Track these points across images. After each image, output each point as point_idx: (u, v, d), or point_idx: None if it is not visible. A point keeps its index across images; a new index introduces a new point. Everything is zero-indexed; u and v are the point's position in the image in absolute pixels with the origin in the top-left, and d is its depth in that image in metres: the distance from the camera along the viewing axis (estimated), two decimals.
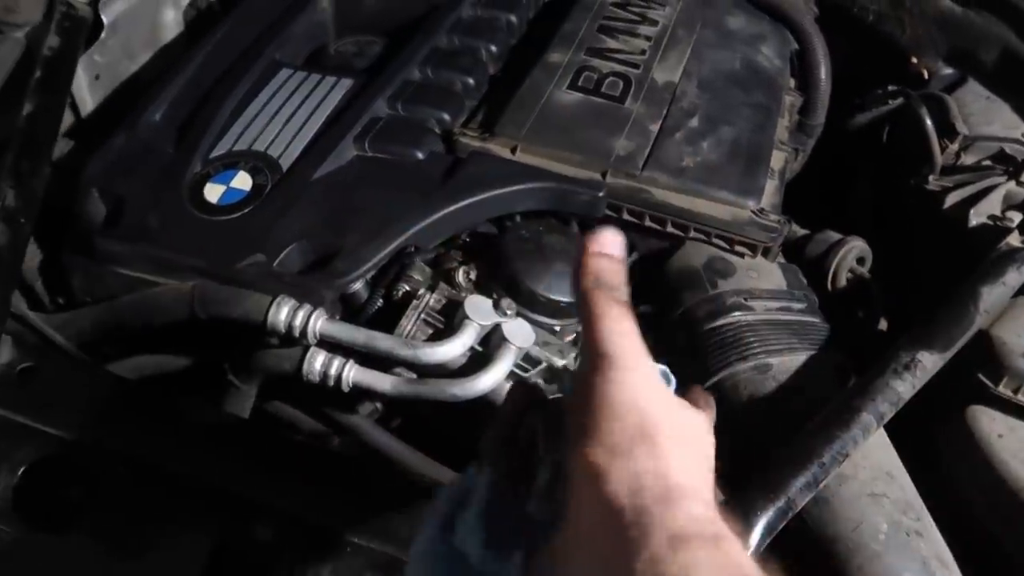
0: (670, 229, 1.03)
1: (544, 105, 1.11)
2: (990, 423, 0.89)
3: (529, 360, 0.90)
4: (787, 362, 0.94)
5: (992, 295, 0.92)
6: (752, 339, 0.94)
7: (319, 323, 0.85)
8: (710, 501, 0.39)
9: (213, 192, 0.99)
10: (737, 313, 0.97)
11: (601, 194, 1.00)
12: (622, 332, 0.44)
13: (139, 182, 1.00)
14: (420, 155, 1.04)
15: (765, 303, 0.99)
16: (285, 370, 0.89)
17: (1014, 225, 1.07)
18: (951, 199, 1.16)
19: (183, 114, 1.10)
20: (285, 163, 1.02)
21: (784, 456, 0.75)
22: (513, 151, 1.06)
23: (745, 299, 0.98)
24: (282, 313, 0.85)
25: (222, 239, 0.94)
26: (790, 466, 0.73)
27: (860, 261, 1.15)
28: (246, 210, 0.97)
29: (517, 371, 0.89)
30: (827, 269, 1.12)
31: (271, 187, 0.99)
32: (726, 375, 0.93)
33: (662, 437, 0.40)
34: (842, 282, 1.13)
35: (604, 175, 1.03)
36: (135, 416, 0.82)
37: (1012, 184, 1.14)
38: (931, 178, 1.22)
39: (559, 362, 0.90)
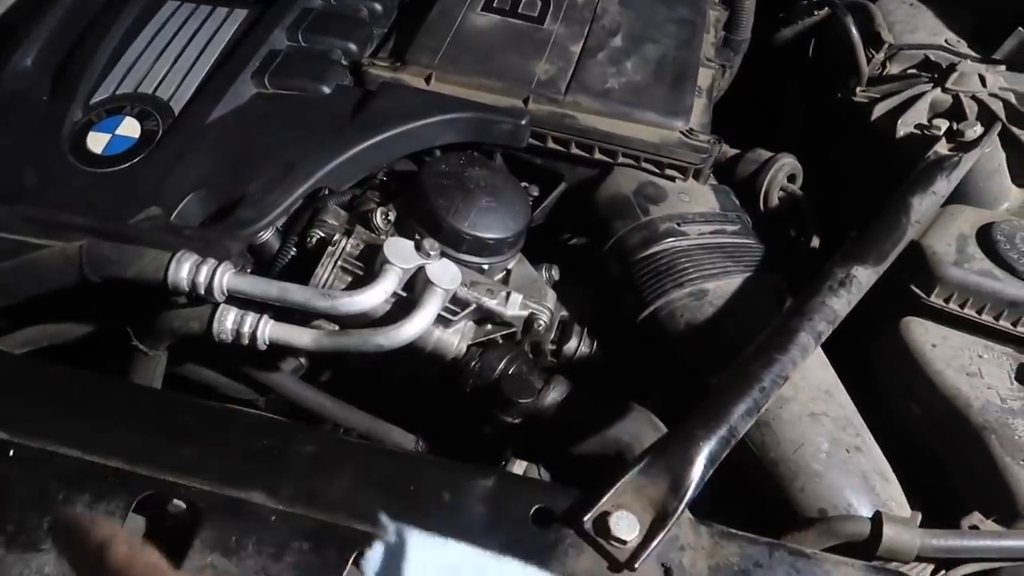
0: (597, 156, 0.99)
1: (458, 29, 1.03)
2: (923, 333, 0.88)
3: (457, 302, 0.85)
4: (723, 286, 0.91)
5: (923, 204, 0.90)
6: (687, 265, 0.91)
7: (226, 278, 0.78)
8: None
9: (97, 142, 0.90)
10: (670, 239, 0.93)
11: (524, 122, 0.94)
12: None
13: (11, 136, 0.90)
14: (326, 89, 0.96)
15: (698, 227, 0.96)
16: (194, 331, 0.82)
17: (941, 133, 1.05)
18: (879, 110, 1.14)
19: (56, 57, 0.99)
20: (176, 105, 0.93)
21: (724, 384, 0.72)
22: (427, 80, 0.99)
23: (678, 224, 0.95)
24: (183, 270, 0.78)
25: (111, 193, 0.86)
26: (730, 393, 0.70)
27: (791, 179, 1.12)
28: (136, 159, 0.88)
29: (445, 314, 0.84)
30: (759, 188, 1.09)
31: (162, 133, 0.91)
32: (662, 303, 0.90)
33: None
34: (774, 201, 1.10)
35: (526, 102, 0.98)
36: (24, 395, 0.74)
37: (938, 91, 1.12)
38: (858, 90, 1.19)
39: (489, 302, 0.86)
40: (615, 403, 0.91)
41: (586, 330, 0.95)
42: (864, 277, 0.82)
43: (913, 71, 1.22)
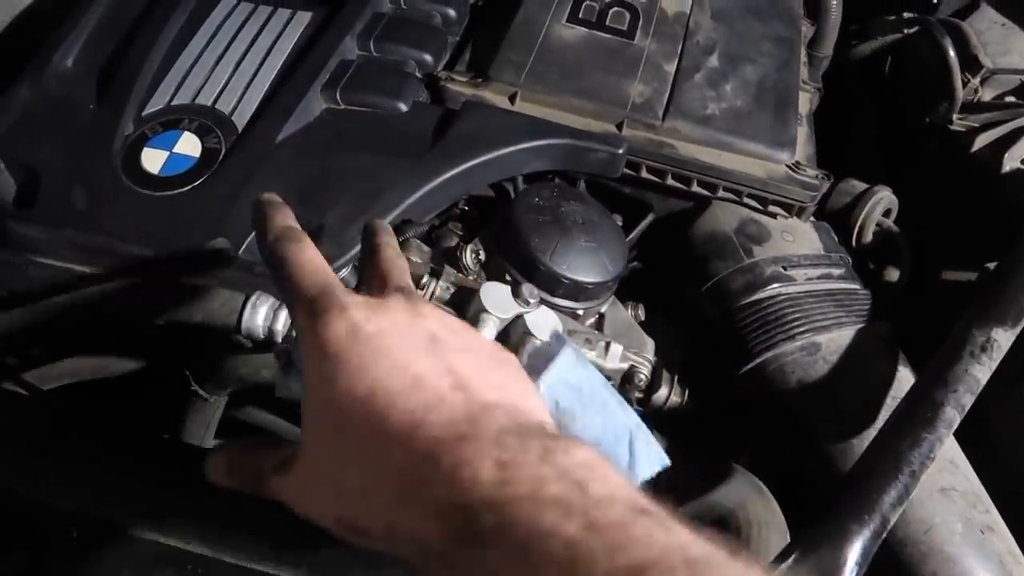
0: (695, 188, 0.90)
1: (543, 42, 0.95)
2: None
3: None
4: (835, 339, 0.84)
5: None
6: (796, 315, 0.84)
7: None
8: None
9: (153, 160, 0.81)
10: (776, 285, 0.86)
11: (621, 151, 0.86)
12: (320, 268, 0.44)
13: (55, 148, 0.81)
14: (403, 107, 0.87)
15: (805, 271, 0.88)
16: (265, 380, 0.74)
17: None
18: (980, 141, 1.06)
19: (102, 58, 0.89)
20: (239, 120, 0.84)
21: (868, 467, 0.65)
22: (512, 99, 0.90)
23: (784, 268, 0.87)
24: (259, 315, 0.69)
25: (171, 219, 0.77)
26: (879, 479, 0.63)
27: (887, 213, 1.05)
28: (198, 182, 0.79)
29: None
30: (853, 224, 1.02)
31: (226, 151, 0.81)
32: (770, 356, 0.83)
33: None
34: (868, 237, 1.03)
35: (620, 127, 0.89)
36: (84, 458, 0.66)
37: None
38: (955, 117, 1.12)
39: (588, 354, 0.78)
40: (714, 462, 0.83)
41: (676, 377, 0.88)
42: (1004, 340, 0.75)
43: (1010, 98, 1.14)
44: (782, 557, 0.60)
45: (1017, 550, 0.75)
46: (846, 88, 1.38)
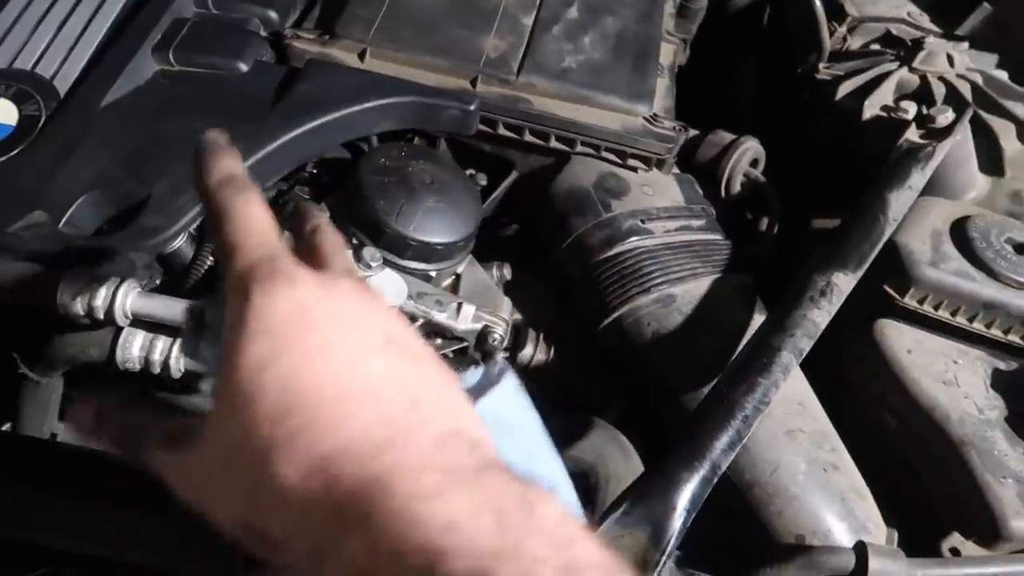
0: (554, 144, 0.89)
1: None
2: (898, 338, 0.84)
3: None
4: (691, 290, 0.84)
5: (900, 201, 0.85)
6: (653, 268, 0.84)
7: (129, 299, 0.67)
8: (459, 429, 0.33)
9: None
10: (634, 238, 0.85)
11: (473, 107, 0.84)
12: (262, 228, 0.38)
13: None
14: (243, 66, 0.83)
15: (663, 223, 0.88)
16: (93, 359, 0.71)
17: (909, 117, 1.00)
18: (843, 89, 1.07)
19: None
20: (62, 85, 0.79)
21: (702, 415, 0.66)
22: (361, 57, 0.87)
23: (642, 221, 0.87)
24: (76, 292, 0.66)
25: None
26: (711, 426, 0.64)
27: (754, 163, 1.06)
28: (14, 152, 0.74)
29: None
30: (720, 174, 1.02)
31: (46, 119, 0.76)
32: (627, 310, 0.83)
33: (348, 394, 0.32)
34: (736, 187, 1.04)
35: (474, 83, 0.87)
36: None
37: (904, 71, 1.06)
38: (821, 66, 1.13)
39: (438, 316, 0.77)
40: (575, 417, 0.84)
41: (542, 335, 0.87)
42: (844, 284, 0.77)
43: (876, 46, 1.16)
44: (614, 506, 0.61)
45: (862, 486, 0.77)
46: (726, 40, 1.39)
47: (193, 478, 0.35)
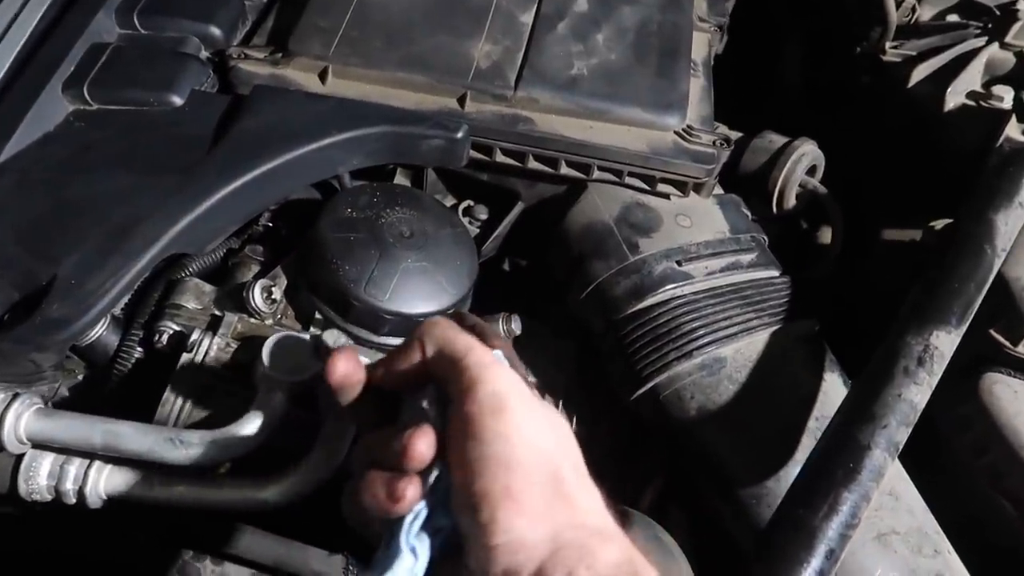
0: (564, 170, 0.72)
1: (360, 0, 0.75)
2: (1013, 399, 0.66)
3: None
4: (744, 350, 0.67)
5: (1008, 223, 0.67)
6: (695, 324, 0.67)
7: (23, 422, 0.52)
8: (616, 533, 0.38)
9: None
10: (670, 287, 0.68)
11: (460, 135, 0.67)
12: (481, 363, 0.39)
13: None
14: (176, 99, 0.68)
15: (705, 263, 0.71)
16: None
17: (1006, 105, 0.81)
18: (918, 74, 0.88)
19: None
20: None
21: (775, 545, 0.49)
22: (322, 77, 0.71)
23: (678, 263, 0.70)
24: None
25: None
26: (787, 567, 0.48)
27: (811, 171, 0.87)
28: None
29: None
30: (772, 187, 0.84)
31: None
32: (664, 380, 0.66)
33: (568, 480, 0.38)
34: (791, 201, 0.85)
35: (462, 101, 0.70)
36: None
37: (995, 47, 0.87)
38: (887, 45, 0.94)
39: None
40: (614, 510, 0.68)
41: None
42: (947, 346, 0.59)
43: (954, 17, 0.96)
44: None
45: None
46: (769, 21, 1.19)
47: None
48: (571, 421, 0.72)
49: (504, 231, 0.77)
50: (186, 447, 0.52)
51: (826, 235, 0.93)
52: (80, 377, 0.62)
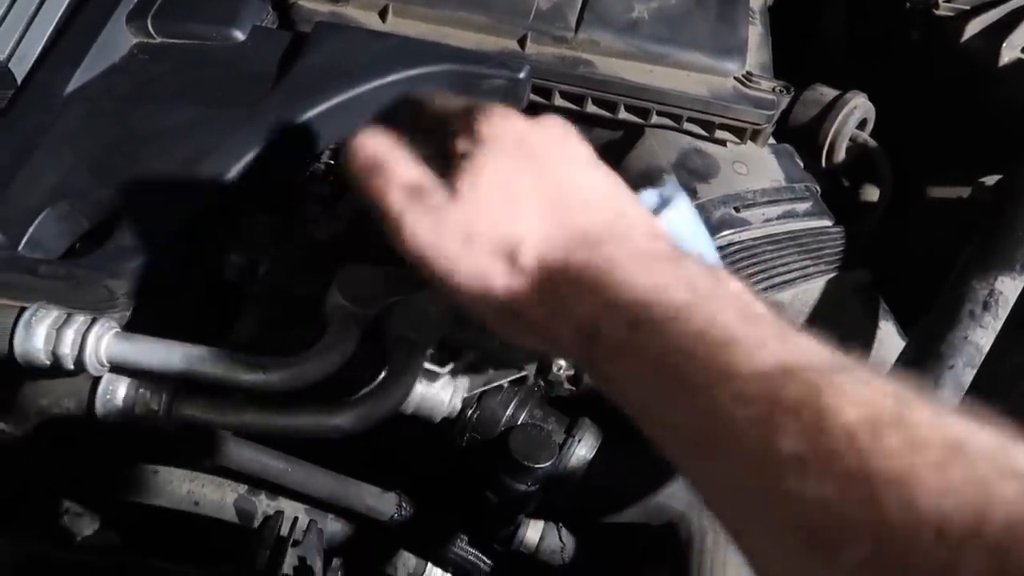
0: (623, 115, 0.72)
1: None
2: None
3: (446, 347, 0.61)
4: (801, 295, 0.68)
5: None
6: (753, 269, 0.68)
7: (104, 344, 0.53)
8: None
9: None
10: (728, 232, 0.69)
11: (523, 75, 0.67)
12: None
13: None
14: (238, 34, 0.67)
15: (762, 210, 0.71)
16: (70, 411, 0.58)
17: None
18: (972, 28, 0.88)
19: None
20: (18, 69, 0.64)
21: None
22: (382, 16, 0.71)
23: (736, 209, 0.70)
24: (37, 336, 0.52)
25: None
26: None
27: (861, 125, 0.87)
28: None
29: (431, 366, 0.60)
30: (822, 141, 0.84)
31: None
32: None
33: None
34: (840, 155, 0.85)
35: (523, 43, 0.70)
36: None
37: None
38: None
39: (489, 343, 0.62)
40: (660, 457, 0.69)
41: None
42: (1011, 291, 0.59)
43: None
44: None
45: None
46: None
47: (433, 231, 0.40)
48: None
49: None
50: (264, 371, 0.53)
51: (868, 192, 0.93)
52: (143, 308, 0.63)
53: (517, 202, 0.39)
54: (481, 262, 0.39)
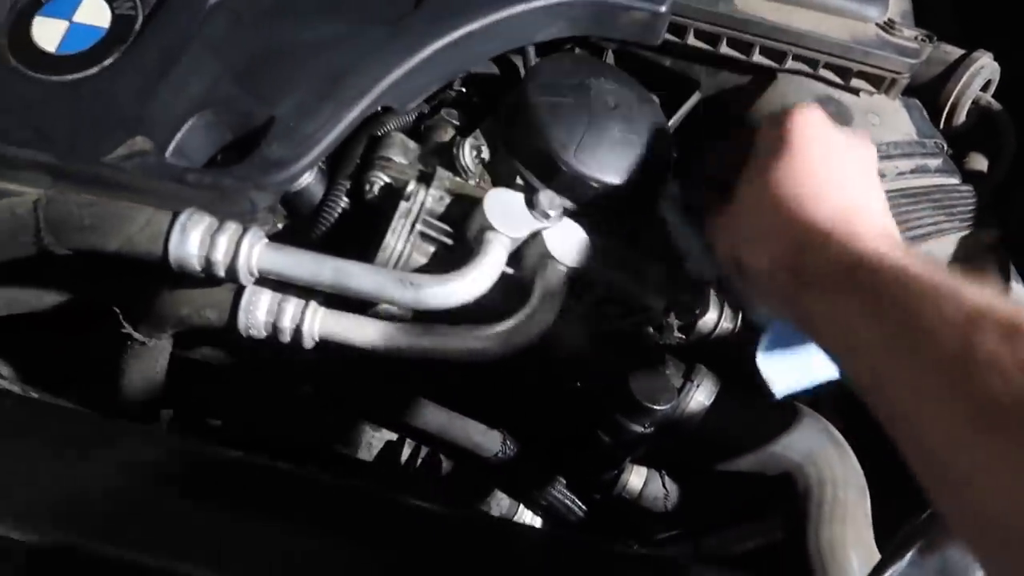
0: (757, 58, 0.70)
1: None
2: None
3: (581, 281, 0.60)
4: (935, 250, 0.67)
5: None
6: None
7: (256, 252, 0.53)
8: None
9: (48, 33, 0.61)
10: None
11: (664, 9, 0.65)
12: None
13: None
14: None
15: (895, 163, 0.69)
16: (211, 322, 0.58)
17: None
18: None
19: None
20: None
21: None
22: None
23: None
24: (191, 241, 0.52)
25: (74, 113, 0.58)
26: None
27: (985, 87, 0.84)
28: (108, 61, 0.60)
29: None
30: (944, 101, 0.82)
31: (143, 19, 0.62)
32: None
33: None
34: (961, 117, 0.83)
35: None
36: None
37: None
38: None
39: (627, 282, 0.61)
40: (778, 405, 0.68)
41: (727, 300, 0.71)
42: None
43: None
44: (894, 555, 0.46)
45: None
46: None
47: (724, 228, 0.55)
48: (737, 319, 0.71)
49: (678, 121, 0.76)
50: (415, 288, 0.53)
51: (979, 162, 0.91)
52: (280, 227, 0.63)
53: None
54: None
